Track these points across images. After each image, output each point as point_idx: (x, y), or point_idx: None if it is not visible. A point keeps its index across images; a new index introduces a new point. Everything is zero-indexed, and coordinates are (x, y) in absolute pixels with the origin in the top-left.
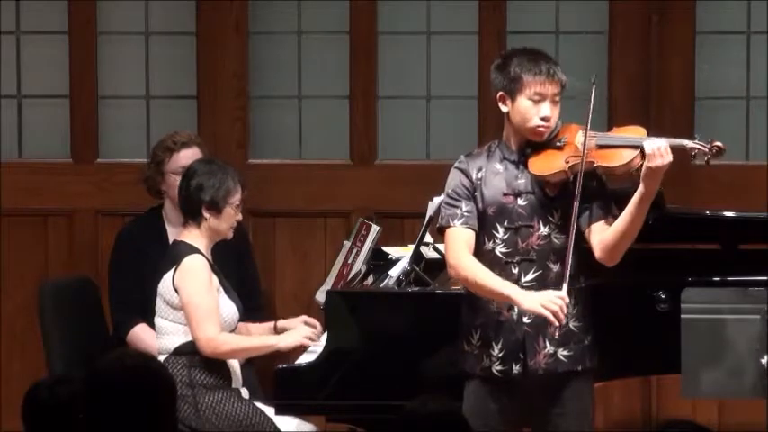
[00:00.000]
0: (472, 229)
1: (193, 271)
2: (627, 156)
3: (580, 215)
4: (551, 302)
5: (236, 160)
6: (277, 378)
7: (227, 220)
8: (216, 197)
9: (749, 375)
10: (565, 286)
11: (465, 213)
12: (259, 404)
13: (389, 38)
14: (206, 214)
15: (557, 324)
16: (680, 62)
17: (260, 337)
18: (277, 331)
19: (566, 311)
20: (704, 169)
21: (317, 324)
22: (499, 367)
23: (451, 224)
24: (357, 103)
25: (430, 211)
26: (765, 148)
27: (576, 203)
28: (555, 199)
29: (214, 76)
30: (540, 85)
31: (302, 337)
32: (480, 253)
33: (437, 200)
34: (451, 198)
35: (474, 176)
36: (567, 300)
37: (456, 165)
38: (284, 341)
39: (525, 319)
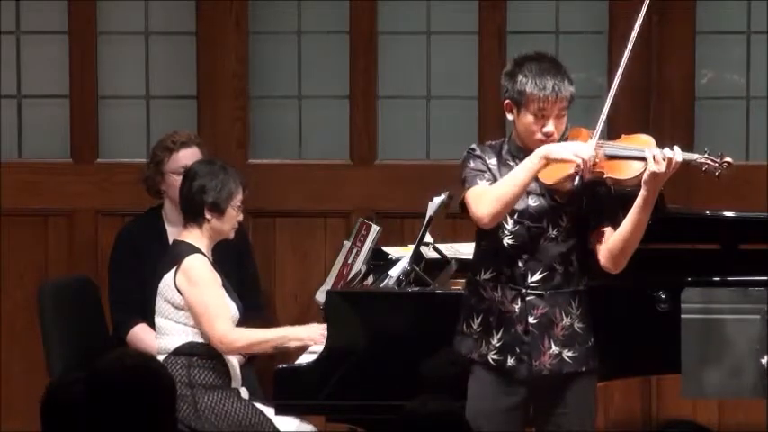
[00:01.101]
0: None
1: (196, 270)
2: (637, 168)
3: (587, 222)
4: (582, 151)
5: (236, 160)
6: (277, 378)
7: (229, 221)
8: (218, 199)
9: (749, 375)
10: (595, 136)
11: (490, 178)
12: (259, 404)
13: (389, 38)
14: (208, 216)
15: (583, 169)
16: (680, 62)
17: (272, 329)
18: None
19: (593, 162)
20: None
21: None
22: (495, 356)
23: (476, 183)
24: (357, 103)
25: (430, 211)
26: (765, 148)
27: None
28: (564, 204)
29: (214, 76)
30: (544, 102)
31: (315, 333)
32: (488, 243)
33: (437, 200)
34: (473, 170)
35: (488, 162)
36: (594, 154)
37: (469, 151)
38: (295, 332)
39: (531, 319)
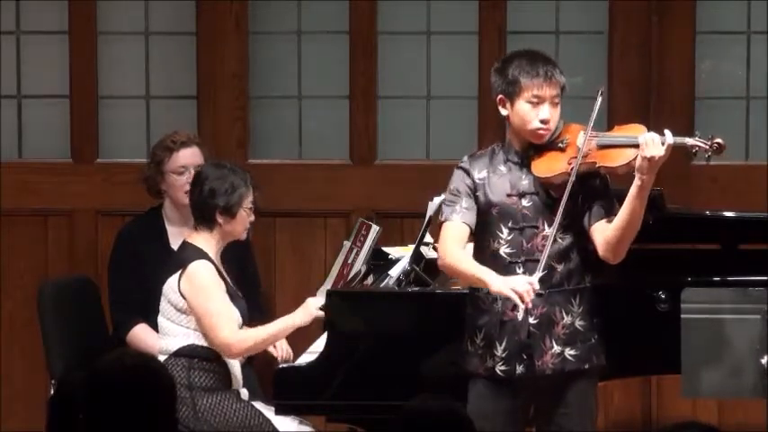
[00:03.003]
0: (468, 225)
1: (199, 277)
2: (628, 155)
3: (583, 215)
4: (519, 285)
5: (237, 160)
6: (277, 378)
7: (241, 223)
8: (229, 202)
9: (749, 375)
10: (537, 274)
11: (463, 209)
12: (259, 405)
13: (389, 38)
14: (220, 219)
15: (521, 305)
16: (680, 62)
17: (275, 321)
18: None
19: (532, 297)
20: (704, 169)
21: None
22: (503, 367)
23: (449, 219)
24: (357, 103)
25: (430, 211)
26: (765, 148)
27: (564, 199)
28: (559, 200)
29: (214, 76)
30: (537, 87)
31: (315, 309)
32: (485, 253)
33: (437, 200)
34: (452, 195)
35: (476, 176)
36: (537, 286)
37: (459, 164)
38: (300, 318)
39: (531, 320)
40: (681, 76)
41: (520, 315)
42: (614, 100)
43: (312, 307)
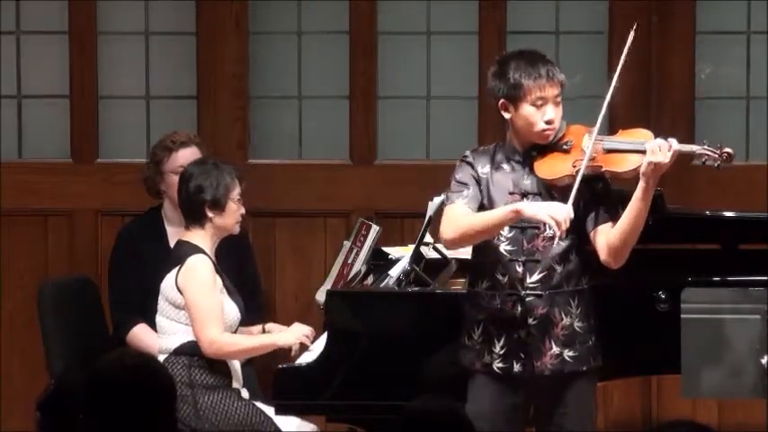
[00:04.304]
0: (471, 211)
1: (197, 271)
2: (635, 161)
3: (586, 218)
4: (557, 212)
5: (237, 160)
6: (277, 378)
7: (231, 216)
8: (216, 195)
9: (749, 375)
10: (571, 199)
11: (470, 195)
12: (259, 404)
13: (389, 38)
14: (210, 213)
15: (558, 232)
16: (680, 62)
17: (260, 336)
18: (265, 333)
19: (569, 225)
20: (704, 169)
21: (310, 327)
22: (500, 364)
23: (453, 202)
24: (357, 103)
25: (430, 211)
26: (765, 148)
27: (570, 202)
28: (561, 201)
29: (214, 76)
30: (540, 89)
31: (301, 334)
32: (485, 249)
33: (437, 200)
34: (459, 183)
35: (480, 170)
36: (572, 214)
37: (462, 158)
38: (284, 339)
39: (530, 320)
40: (681, 76)
41: (556, 241)
42: (614, 100)
43: (298, 331)
